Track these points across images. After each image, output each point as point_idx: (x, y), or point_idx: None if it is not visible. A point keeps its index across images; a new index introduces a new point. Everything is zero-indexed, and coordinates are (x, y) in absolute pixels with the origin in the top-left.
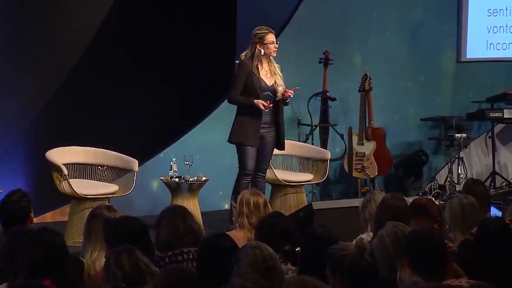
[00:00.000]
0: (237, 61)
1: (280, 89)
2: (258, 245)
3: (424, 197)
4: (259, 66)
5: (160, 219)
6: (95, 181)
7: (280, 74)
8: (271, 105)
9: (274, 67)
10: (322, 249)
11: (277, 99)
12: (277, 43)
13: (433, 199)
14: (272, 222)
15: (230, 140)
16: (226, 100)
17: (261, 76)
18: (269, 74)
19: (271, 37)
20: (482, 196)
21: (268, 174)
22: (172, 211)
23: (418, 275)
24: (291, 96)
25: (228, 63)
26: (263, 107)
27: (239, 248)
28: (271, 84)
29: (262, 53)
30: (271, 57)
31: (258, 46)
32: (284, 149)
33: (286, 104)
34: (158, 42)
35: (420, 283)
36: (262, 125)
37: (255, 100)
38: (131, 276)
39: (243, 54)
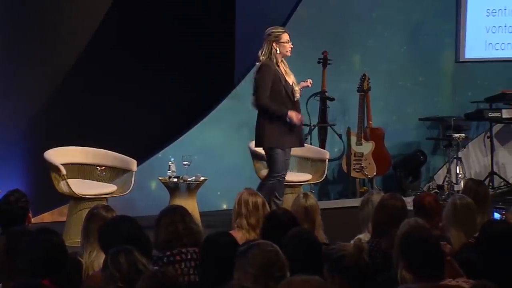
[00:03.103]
0: (259, 63)
1: (297, 89)
2: (275, 249)
3: (428, 193)
4: (280, 67)
5: (159, 219)
6: (93, 181)
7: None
8: (302, 118)
9: (286, 66)
10: (303, 249)
11: (295, 99)
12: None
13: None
14: (279, 218)
15: (266, 146)
16: (254, 104)
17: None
18: (286, 75)
19: (286, 36)
20: (484, 197)
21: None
22: (172, 211)
23: (415, 275)
24: (309, 86)
25: (228, 62)
26: (296, 121)
27: (249, 245)
28: (291, 84)
29: (278, 52)
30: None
31: (274, 45)
32: (304, 146)
33: None
34: (157, 42)
35: None
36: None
37: (289, 113)
38: (129, 277)
39: (261, 54)
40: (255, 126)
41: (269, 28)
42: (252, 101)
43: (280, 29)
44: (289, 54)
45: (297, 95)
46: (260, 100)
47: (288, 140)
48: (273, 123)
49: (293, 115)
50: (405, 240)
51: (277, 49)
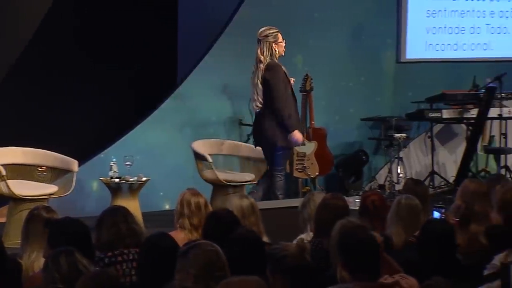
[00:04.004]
0: (262, 64)
1: None
2: (215, 249)
3: (375, 192)
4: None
5: (101, 219)
6: (34, 182)
7: None
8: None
9: None
10: (249, 249)
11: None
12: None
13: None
14: (221, 219)
15: (281, 145)
16: (277, 105)
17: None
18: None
19: (281, 36)
20: (423, 196)
21: (209, 174)
22: (114, 212)
23: (351, 274)
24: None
25: (170, 62)
26: (300, 143)
27: (190, 245)
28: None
29: (277, 52)
30: None
31: (274, 45)
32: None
33: None
34: (99, 42)
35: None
36: None
37: (296, 131)
38: (69, 278)
39: (262, 55)
40: (259, 126)
41: (264, 29)
42: (256, 101)
43: (274, 29)
44: (283, 54)
45: None
46: (278, 103)
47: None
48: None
49: (299, 136)
50: (340, 239)
51: (276, 49)
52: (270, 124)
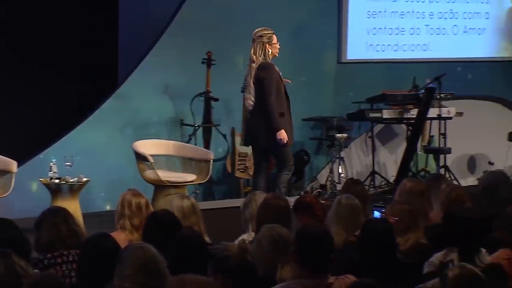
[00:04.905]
0: (254, 63)
1: None
2: (142, 246)
3: (310, 194)
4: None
5: (41, 221)
6: None
7: None
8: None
9: None
10: (191, 250)
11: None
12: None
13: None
14: (161, 219)
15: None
16: (268, 101)
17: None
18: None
19: (275, 38)
20: (360, 196)
21: (151, 175)
22: (54, 213)
23: (303, 272)
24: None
25: (111, 62)
26: (284, 141)
27: (123, 249)
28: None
29: (270, 53)
30: None
31: (267, 46)
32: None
33: None
34: (39, 40)
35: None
36: None
37: (282, 132)
38: (6, 281)
39: (254, 55)
40: (253, 124)
41: (258, 30)
42: (248, 100)
43: (269, 31)
44: (277, 55)
45: None
46: (269, 99)
47: (292, 137)
48: (282, 119)
49: (284, 136)
50: (298, 236)
51: (269, 50)
52: (261, 123)
